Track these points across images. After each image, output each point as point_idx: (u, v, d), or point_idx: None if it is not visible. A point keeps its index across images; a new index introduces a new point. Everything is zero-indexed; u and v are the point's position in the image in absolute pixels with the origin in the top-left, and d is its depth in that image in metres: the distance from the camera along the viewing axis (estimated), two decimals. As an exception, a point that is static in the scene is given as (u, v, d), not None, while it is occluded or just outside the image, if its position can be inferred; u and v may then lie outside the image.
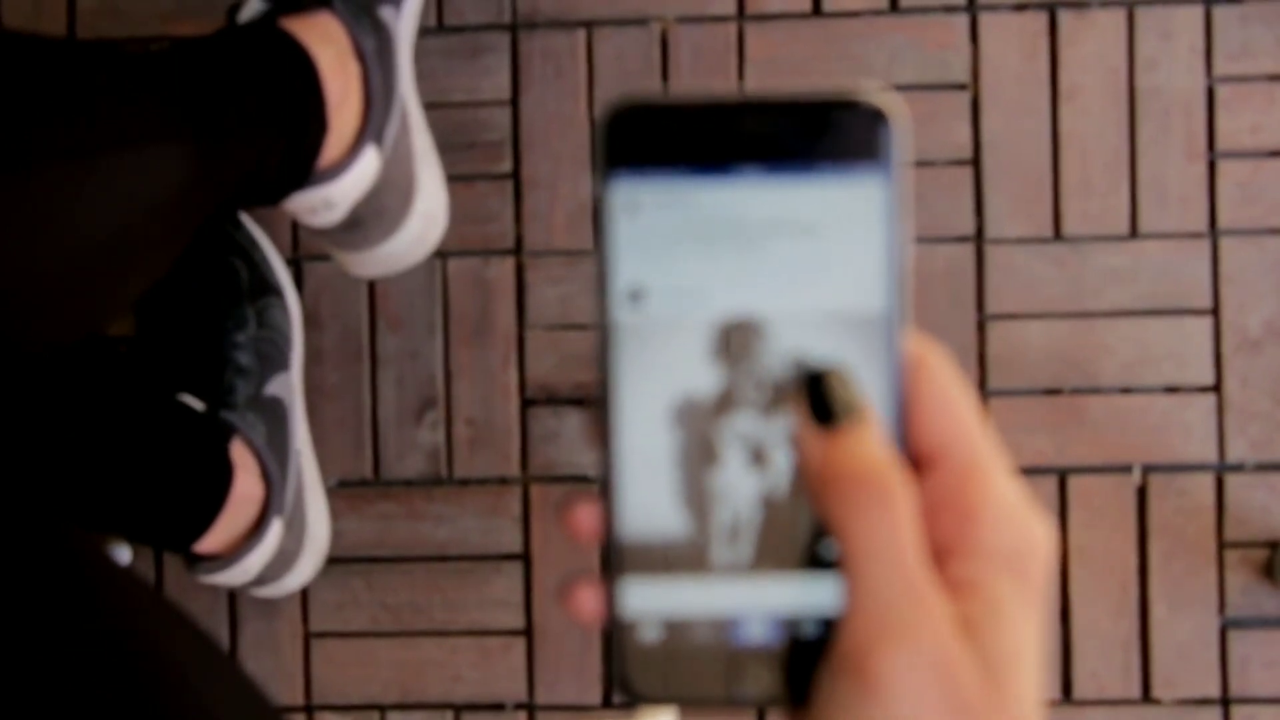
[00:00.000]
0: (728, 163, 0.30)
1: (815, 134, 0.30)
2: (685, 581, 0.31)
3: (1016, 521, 0.30)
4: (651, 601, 0.31)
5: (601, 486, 0.31)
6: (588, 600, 0.31)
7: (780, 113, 0.30)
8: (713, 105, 0.30)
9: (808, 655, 0.30)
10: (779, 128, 0.30)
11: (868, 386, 0.31)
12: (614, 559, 0.31)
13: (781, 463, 0.31)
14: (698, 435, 0.31)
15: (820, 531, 0.31)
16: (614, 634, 0.31)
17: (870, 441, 0.30)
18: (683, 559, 0.31)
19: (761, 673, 0.31)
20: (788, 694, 0.31)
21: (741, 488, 0.31)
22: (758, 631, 0.31)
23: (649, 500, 0.31)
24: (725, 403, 0.31)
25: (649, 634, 0.31)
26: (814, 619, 0.31)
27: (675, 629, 0.31)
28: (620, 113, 0.30)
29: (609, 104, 0.30)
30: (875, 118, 0.30)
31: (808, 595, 0.30)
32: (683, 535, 0.31)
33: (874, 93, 0.30)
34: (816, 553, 0.31)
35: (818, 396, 0.30)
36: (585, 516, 0.32)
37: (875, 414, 0.30)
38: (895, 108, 0.30)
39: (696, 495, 0.31)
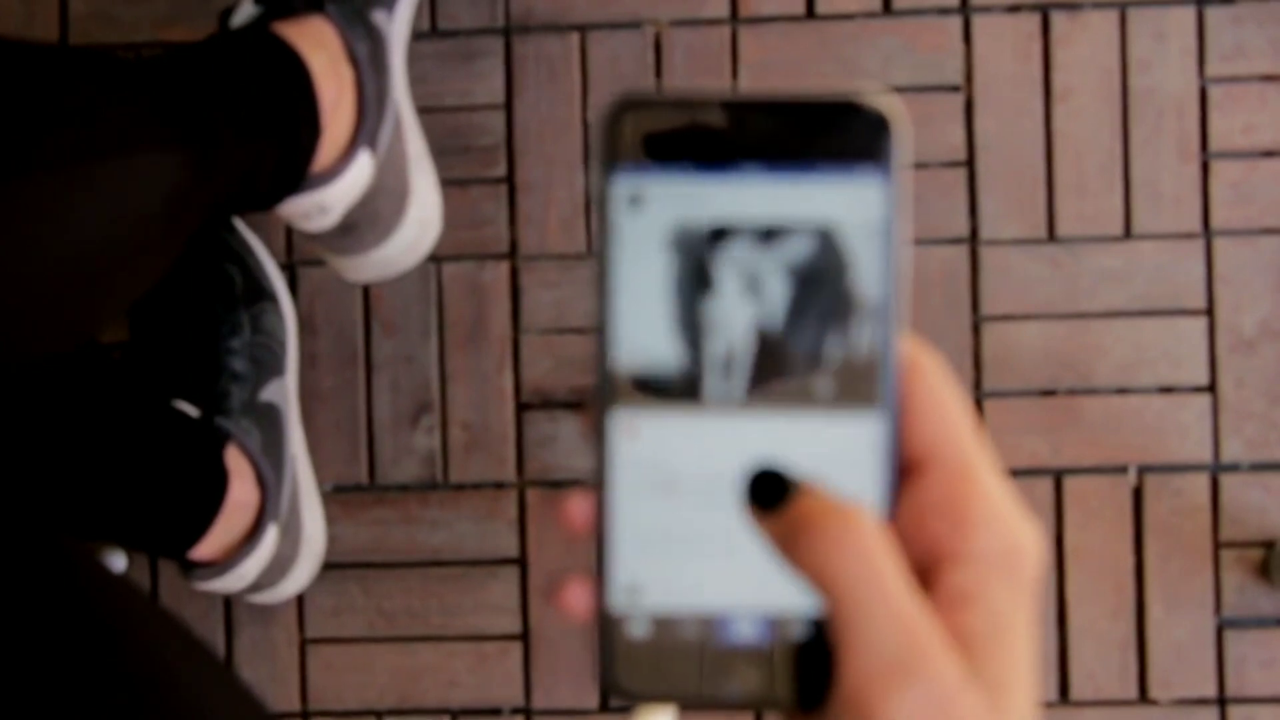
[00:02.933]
0: (728, 161, 0.30)
1: (816, 135, 0.30)
2: (678, 415, 0.31)
3: (1007, 525, 0.30)
4: (643, 438, 0.31)
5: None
6: (577, 597, 0.31)
7: (781, 112, 0.30)
8: (714, 103, 0.30)
9: (795, 655, 0.30)
10: (780, 127, 0.30)
11: (864, 390, 0.31)
12: (607, 391, 0.31)
13: (777, 292, 0.31)
14: (692, 263, 0.31)
15: (814, 366, 0.30)
16: (603, 629, 0.31)
17: (818, 493, 0.30)
18: (676, 390, 0.31)
19: (749, 672, 0.31)
20: (778, 695, 0.31)
21: (736, 317, 0.31)
22: (746, 630, 0.31)
23: (643, 330, 0.31)
24: (720, 233, 0.31)
25: (638, 630, 0.31)
26: (802, 618, 0.31)
27: (664, 626, 0.31)
28: (622, 108, 0.30)
29: (611, 99, 0.31)
30: (876, 120, 0.30)
31: (797, 595, 0.30)
32: (676, 366, 0.31)
33: (875, 95, 0.30)
34: (809, 388, 0.30)
35: (759, 491, 0.30)
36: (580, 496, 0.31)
37: (817, 480, 0.30)
38: (896, 111, 0.30)
39: (690, 325, 0.31)
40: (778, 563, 0.30)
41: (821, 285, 0.30)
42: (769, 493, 0.30)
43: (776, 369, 0.31)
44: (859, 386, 0.31)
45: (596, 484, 0.31)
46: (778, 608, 0.31)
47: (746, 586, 0.31)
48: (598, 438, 0.31)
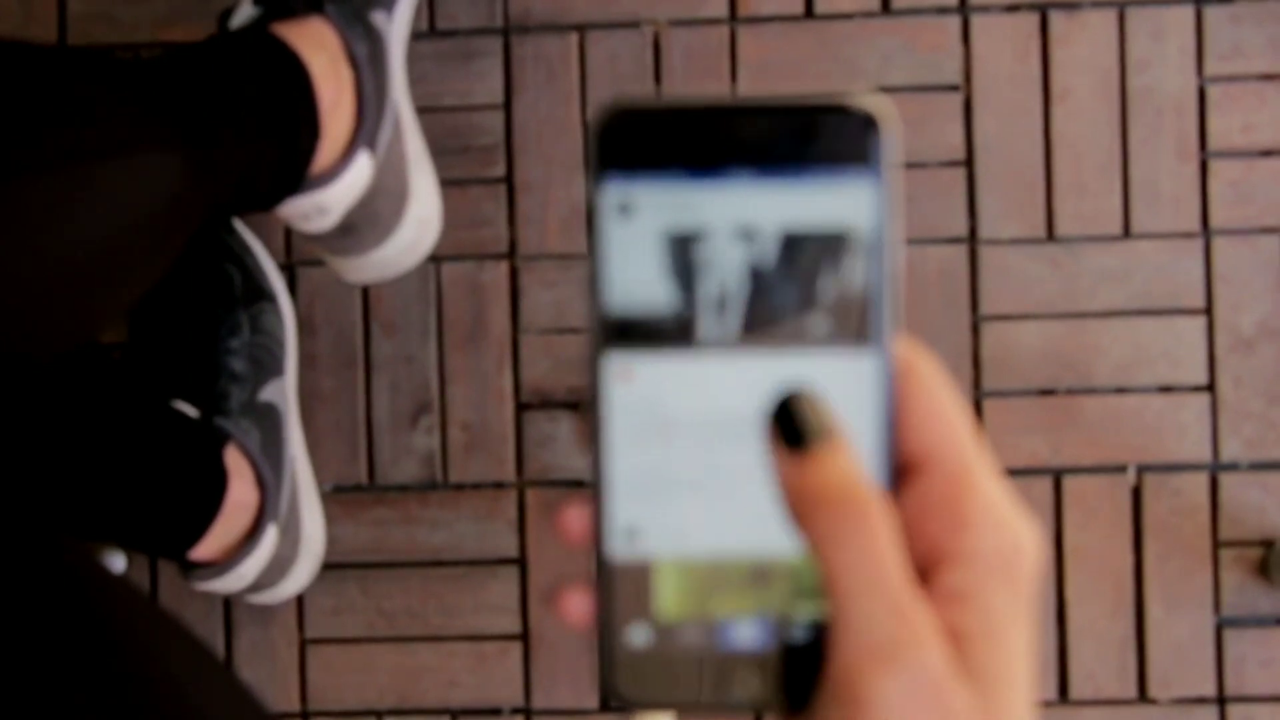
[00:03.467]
0: (720, 166, 0.30)
1: (807, 138, 0.30)
2: (672, 357, 0.31)
3: (1005, 526, 0.30)
4: (638, 381, 0.31)
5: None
6: (577, 604, 0.32)
7: (772, 116, 0.30)
8: (705, 108, 0.31)
9: (796, 659, 0.31)
10: (771, 131, 0.30)
11: (860, 391, 0.31)
12: (600, 335, 0.31)
13: (769, 233, 0.31)
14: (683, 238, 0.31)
15: (807, 304, 0.30)
16: (603, 637, 0.31)
17: (843, 462, 0.30)
18: (670, 332, 0.31)
19: (750, 677, 0.31)
20: (776, 699, 0.31)
21: (729, 258, 0.31)
22: (746, 635, 0.31)
23: (636, 275, 0.31)
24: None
25: (638, 638, 0.31)
26: (802, 622, 0.31)
27: (664, 633, 0.31)
28: (613, 115, 0.31)
29: (602, 106, 0.31)
30: (866, 122, 0.30)
31: (798, 598, 0.31)
32: (669, 308, 0.31)
33: (865, 97, 0.30)
34: (802, 328, 0.31)
35: (787, 419, 0.30)
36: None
37: (847, 435, 0.30)
38: (886, 112, 0.30)
39: (683, 266, 0.31)
40: (780, 507, 0.30)
41: (813, 279, 0.31)
42: (794, 427, 0.30)
43: (770, 307, 0.31)
44: (853, 325, 0.31)
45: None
46: (778, 611, 0.31)
47: (743, 527, 0.31)
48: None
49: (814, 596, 0.31)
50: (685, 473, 0.31)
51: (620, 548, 0.31)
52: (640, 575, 0.31)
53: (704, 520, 0.31)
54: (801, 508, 0.29)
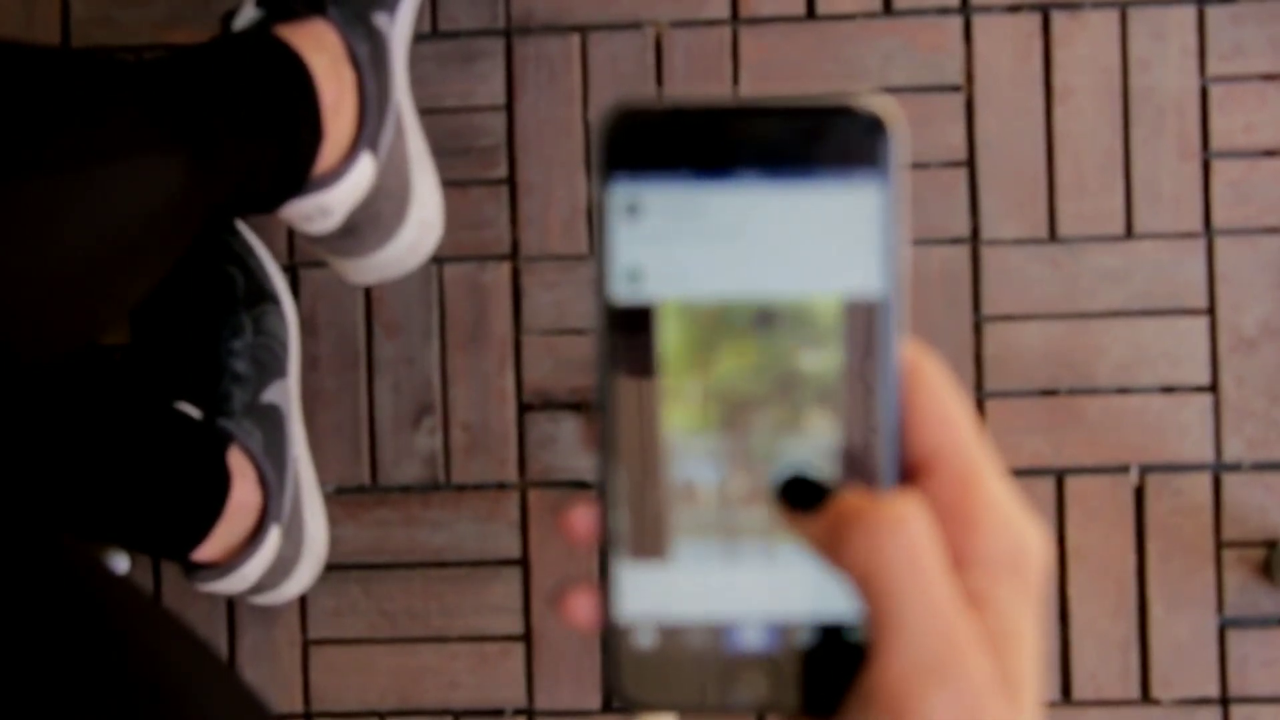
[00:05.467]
0: (725, 167, 0.30)
1: (812, 139, 0.30)
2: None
3: (1012, 527, 0.30)
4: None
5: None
6: (581, 606, 0.32)
7: (777, 117, 0.30)
8: (711, 109, 0.30)
9: (805, 660, 0.31)
10: (776, 132, 0.30)
11: (866, 391, 0.31)
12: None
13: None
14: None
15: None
16: (609, 639, 0.31)
17: (864, 495, 0.30)
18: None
19: (756, 678, 0.31)
20: (785, 701, 0.31)
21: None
22: (753, 637, 0.31)
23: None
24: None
25: (644, 639, 0.31)
26: (809, 624, 0.31)
27: (670, 634, 0.31)
28: (618, 116, 0.31)
29: (607, 107, 0.31)
30: (872, 123, 0.30)
31: (804, 597, 0.31)
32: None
33: (871, 98, 0.30)
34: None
35: (796, 492, 0.30)
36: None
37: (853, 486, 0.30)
38: (892, 113, 0.30)
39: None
40: (819, 565, 0.30)
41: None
42: (804, 496, 0.30)
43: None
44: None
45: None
46: (784, 613, 0.31)
47: (747, 268, 0.30)
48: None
49: (820, 597, 0.31)
50: (690, 219, 0.31)
51: (622, 290, 0.31)
52: (642, 320, 0.31)
53: (707, 261, 0.31)
54: (834, 537, 0.29)
